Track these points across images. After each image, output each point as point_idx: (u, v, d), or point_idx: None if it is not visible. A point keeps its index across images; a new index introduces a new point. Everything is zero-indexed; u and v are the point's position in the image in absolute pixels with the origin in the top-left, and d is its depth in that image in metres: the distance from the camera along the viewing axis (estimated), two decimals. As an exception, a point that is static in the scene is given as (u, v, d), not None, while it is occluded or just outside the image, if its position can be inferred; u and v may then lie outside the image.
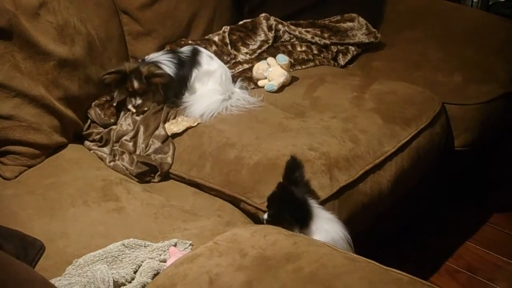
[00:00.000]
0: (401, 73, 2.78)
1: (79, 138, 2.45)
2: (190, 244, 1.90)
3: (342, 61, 2.94)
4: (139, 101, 2.45)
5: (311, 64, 2.83)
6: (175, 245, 1.88)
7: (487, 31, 2.96)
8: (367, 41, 2.95)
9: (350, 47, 2.96)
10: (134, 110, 2.45)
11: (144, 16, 2.69)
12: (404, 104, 2.51)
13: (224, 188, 2.19)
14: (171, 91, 2.47)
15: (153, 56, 2.51)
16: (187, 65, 2.50)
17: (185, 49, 2.56)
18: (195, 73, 2.51)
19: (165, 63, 2.45)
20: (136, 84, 2.42)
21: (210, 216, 2.07)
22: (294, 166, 1.96)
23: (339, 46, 2.95)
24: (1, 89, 2.17)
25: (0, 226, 1.80)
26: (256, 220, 2.12)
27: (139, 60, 2.52)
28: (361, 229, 2.19)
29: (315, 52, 2.88)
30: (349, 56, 2.95)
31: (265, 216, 1.97)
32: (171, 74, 2.44)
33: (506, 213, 2.96)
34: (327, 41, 2.93)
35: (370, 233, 2.39)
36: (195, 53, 2.53)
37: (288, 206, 1.90)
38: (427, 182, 2.62)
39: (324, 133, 2.29)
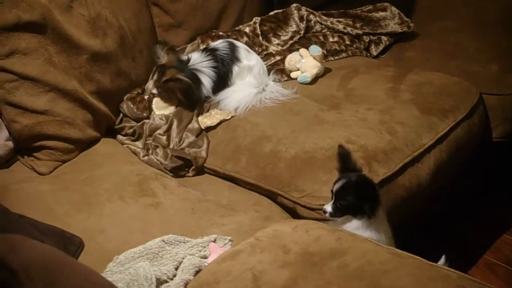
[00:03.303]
0: (436, 63, 2.72)
1: (111, 132, 2.43)
2: (230, 240, 1.87)
3: (374, 51, 2.88)
4: (154, 91, 2.44)
5: (344, 55, 2.77)
6: (214, 241, 1.85)
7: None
8: (400, 30, 2.89)
9: (382, 37, 2.90)
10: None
11: (175, 7, 2.66)
12: (441, 95, 2.45)
13: (260, 182, 2.15)
14: (192, 98, 2.41)
15: (196, 61, 2.43)
16: (227, 62, 2.46)
17: (221, 46, 2.50)
18: (235, 70, 2.47)
19: (206, 72, 2.42)
20: (155, 77, 2.41)
21: (248, 211, 2.04)
22: (346, 154, 1.90)
23: (371, 36, 2.90)
24: (36, 83, 2.15)
25: (40, 222, 1.78)
26: (294, 214, 2.09)
27: (184, 58, 2.47)
28: (399, 222, 2.15)
29: (348, 42, 2.83)
30: (381, 46, 2.89)
31: (328, 207, 1.88)
32: (209, 84, 2.42)
33: (543, 205, 2.90)
34: (359, 31, 2.87)
35: (407, 226, 2.35)
36: (232, 49, 2.49)
37: (364, 195, 1.84)
38: (464, 174, 2.58)
39: (361, 126, 2.25)
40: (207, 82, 2.43)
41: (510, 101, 2.57)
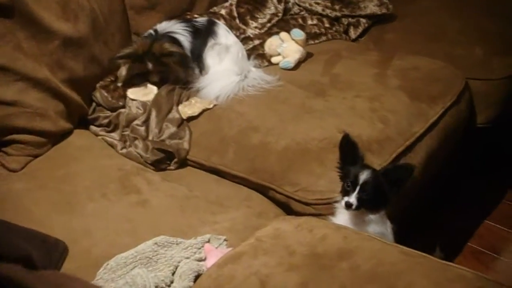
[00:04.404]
0: (418, 46, 2.66)
1: (83, 122, 2.27)
2: (225, 240, 1.75)
3: (353, 34, 2.80)
4: (156, 79, 2.31)
5: (324, 38, 2.69)
6: (208, 241, 1.73)
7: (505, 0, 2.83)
8: (379, 13, 2.82)
9: (361, 19, 2.82)
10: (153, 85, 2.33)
11: (148, -12, 2.50)
12: (429, 81, 2.39)
13: (250, 175, 2.04)
14: (188, 67, 2.33)
15: (166, 26, 2.34)
16: (203, 33, 2.35)
17: (200, 19, 2.41)
18: (210, 42, 2.35)
19: (180, 32, 2.30)
20: (150, 66, 2.27)
21: (239, 207, 1.92)
22: (352, 143, 1.77)
23: (350, 19, 2.81)
24: (4, 72, 1.98)
25: (20, 226, 1.61)
26: (287, 209, 1.99)
27: (152, 32, 2.33)
28: (392, 214, 2.07)
29: (327, 25, 2.74)
30: (360, 29, 2.81)
31: (353, 200, 1.73)
32: (188, 43, 2.31)
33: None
34: (338, 14, 2.78)
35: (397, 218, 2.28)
36: (211, 23, 2.39)
37: (391, 188, 1.74)
38: (448, 161, 2.52)
39: (351, 114, 2.16)
40: (185, 42, 2.32)
41: (494, 86, 2.53)
